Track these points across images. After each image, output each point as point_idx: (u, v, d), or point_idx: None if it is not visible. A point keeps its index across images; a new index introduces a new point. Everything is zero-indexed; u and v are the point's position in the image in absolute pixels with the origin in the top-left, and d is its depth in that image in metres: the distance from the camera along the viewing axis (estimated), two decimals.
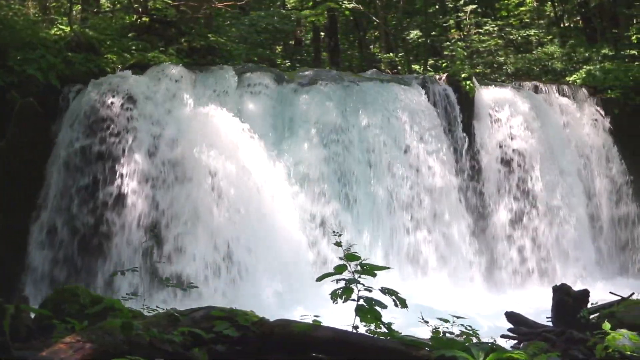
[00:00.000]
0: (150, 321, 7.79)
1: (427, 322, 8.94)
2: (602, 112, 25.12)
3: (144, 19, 23.28)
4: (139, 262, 16.71)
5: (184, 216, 17.88)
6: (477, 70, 29.54)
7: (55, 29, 22.26)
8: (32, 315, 8.82)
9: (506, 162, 22.66)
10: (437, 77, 24.16)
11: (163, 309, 8.88)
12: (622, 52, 28.97)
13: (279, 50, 41.31)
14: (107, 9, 28.95)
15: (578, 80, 26.61)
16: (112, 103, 18.26)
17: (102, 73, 19.60)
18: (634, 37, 30.09)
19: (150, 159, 18.27)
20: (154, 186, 18.11)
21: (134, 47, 21.93)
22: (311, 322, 7.85)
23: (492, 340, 8.76)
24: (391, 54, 37.05)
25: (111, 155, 17.83)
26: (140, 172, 18.02)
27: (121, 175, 17.86)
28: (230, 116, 19.13)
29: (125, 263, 17.05)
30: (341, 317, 7.77)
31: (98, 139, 17.94)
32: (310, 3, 37.35)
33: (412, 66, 37.34)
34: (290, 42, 41.99)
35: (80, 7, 27.62)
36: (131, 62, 20.87)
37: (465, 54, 29.32)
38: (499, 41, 33.25)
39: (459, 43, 31.68)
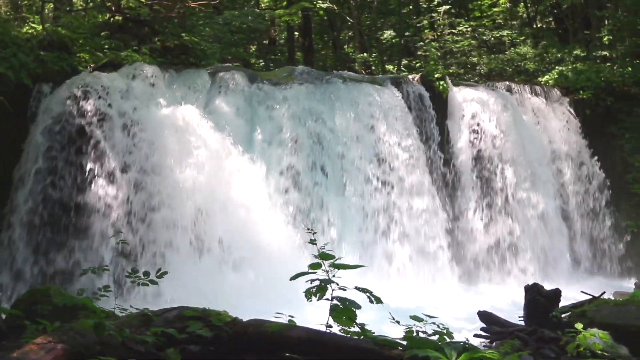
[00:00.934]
0: (122, 321, 7.74)
1: (398, 322, 8.89)
2: (574, 113, 25.30)
3: (117, 17, 23.04)
4: (112, 262, 16.65)
5: (159, 217, 17.81)
6: (451, 71, 29.62)
7: (27, 28, 22.10)
8: (3, 316, 8.72)
9: (479, 162, 22.77)
10: (411, 77, 24.22)
11: (137, 309, 8.81)
12: (594, 54, 29.21)
13: (253, 49, 41.23)
14: (80, 7, 28.71)
15: (550, 81, 26.78)
16: (84, 102, 18.08)
17: (74, 72, 19.39)
18: (605, 39, 30.34)
19: (123, 159, 18.09)
20: (127, 186, 17.95)
21: (107, 46, 21.72)
22: (286, 321, 7.84)
23: (465, 340, 8.79)
24: (365, 54, 37.15)
25: (83, 154, 17.66)
26: (113, 171, 17.85)
27: (93, 175, 17.71)
28: (204, 116, 19.05)
29: (101, 264, 16.93)
30: (316, 316, 7.74)
31: (70, 139, 17.77)
32: (285, 3, 37.32)
33: (386, 66, 37.45)
34: (264, 41, 41.93)
35: (52, 6, 27.36)
36: (104, 61, 20.67)
37: (439, 54, 29.41)
38: (472, 42, 33.40)
39: (433, 43, 31.77)
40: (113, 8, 23.13)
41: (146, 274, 9.07)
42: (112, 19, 23.29)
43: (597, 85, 25.83)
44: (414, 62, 34.65)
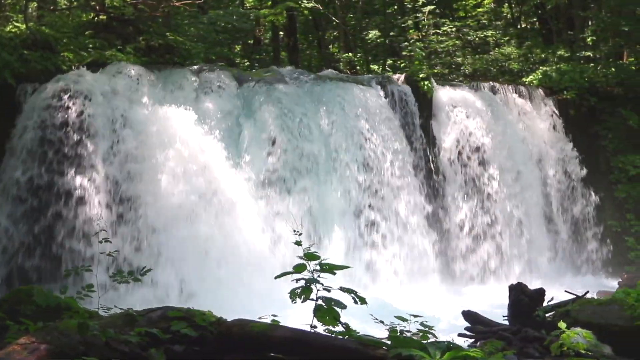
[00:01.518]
0: (106, 321, 7.71)
1: (382, 322, 8.94)
2: (558, 113, 25.41)
3: (101, 17, 22.95)
4: (97, 262, 16.57)
5: (143, 216, 17.76)
6: (435, 71, 29.67)
7: (11, 27, 21.98)
8: None
9: (463, 162, 22.83)
10: (396, 77, 24.25)
11: (121, 309, 8.79)
12: (578, 54, 29.35)
13: (238, 49, 41.15)
14: (64, 6, 28.59)
15: (534, 81, 26.87)
16: (68, 102, 17.98)
17: (58, 71, 19.29)
18: (589, 39, 30.47)
19: (107, 159, 18.06)
20: (111, 186, 17.94)
21: (91, 45, 21.62)
22: (270, 322, 7.84)
23: (449, 339, 8.81)
24: (350, 53, 37.12)
25: (67, 154, 17.56)
26: (96, 172, 17.84)
27: (78, 175, 17.64)
28: (189, 116, 19.00)
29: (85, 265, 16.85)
30: (301, 316, 7.73)
31: (53, 139, 17.67)
32: (269, 2, 37.26)
33: (371, 66, 37.44)
34: (249, 41, 41.83)
35: (36, 5, 27.22)
36: (88, 61, 20.54)
37: (424, 54, 29.39)
38: (457, 42, 33.44)
39: (418, 43, 31.82)
40: (97, 7, 23.04)
41: (130, 273, 9.04)
42: (96, 18, 23.17)
43: (581, 86, 25.96)
44: (399, 62, 34.67)
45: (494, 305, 15.34)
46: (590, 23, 31.66)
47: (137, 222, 17.77)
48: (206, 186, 18.41)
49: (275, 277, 7.71)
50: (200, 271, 17.67)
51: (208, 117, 19.59)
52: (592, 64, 28.20)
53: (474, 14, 36.85)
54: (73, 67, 20.23)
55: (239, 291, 17.18)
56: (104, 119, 18.37)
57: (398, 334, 8.03)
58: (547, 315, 12.72)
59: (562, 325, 10.46)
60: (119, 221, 17.79)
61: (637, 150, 25.48)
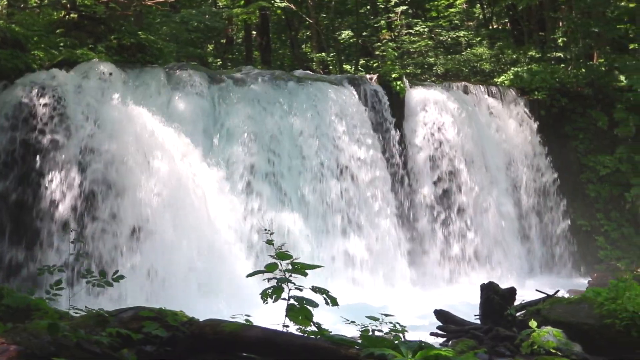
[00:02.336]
0: (77, 322, 7.67)
1: (353, 322, 8.98)
2: (529, 113, 25.56)
3: (72, 15, 22.70)
4: (68, 262, 16.46)
5: (115, 214, 17.66)
6: (408, 71, 29.76)
7: None
8: None
9: (435, 161, 22.88)
10: (368, 77, 24.29)
11: (92, 310, 8.73)
12: (549, 55, 29.58)
13: (210, 48, 41.07)
14: (35, 4, 28.32)
15: (506, 82, 27.02)
16: (39, 100, 17.84)
17: (29, 70, 19.09)
18: (559, 40, 30.68)
19: (78, 158, 17.91)
20: (82, 184, 17.75)
21: (62, 44, 21.41)
22: (243, 321, 7.83)
23: (421, 338, 8.83)
24: (323, 53, 37.18)
25: (37, 153, 17.44)
26: (67, 171, 17.69)
27: (48, 175, 17.53)
28: (161, 115, 18.92)
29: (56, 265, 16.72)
30: (274, 316, 7.74)
31: (24, 137, 17.53)
32: (242, 2, 37.21)
33: (344, 66, 37.51)
34: (222, 40, 41.76)
35: (6, 2, 26.94)
36: (59, 59, 20.31)
37: (396, 54, 29.55)
38: (429, 42, 33.62)
39: (390, 44, 31.92)
40: (68, 5, 22.84)
41: (102, 274, 8.99)
42: (67, 16, 22.91)
43: (552, 86, 26.15)
44: (372, 62, 34.78)
45: (466, 305, 15.39)
46: (560, 24, 31.85)
47: (109, 220, 17.67)
48: (178, 184, 18.35)
49: (247, 276, 7.69)
50: (172, 269, 17.66)
51: (180, 116, 19.52)
52: (562, 65, 28.43)
53: (446, 14, 37.05)
54: (44, 66, 19.99)
55: (212, 289, 17.18)
56: (75, 118, 18.23)
57: (370, 333, 8.06)
58: (518, 314, 12.76)
59: (533, 324, 10.55)
60: (90, 219, 17.68)
61: (606, 150, 25.76)
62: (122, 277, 9.00)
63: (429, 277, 21.79)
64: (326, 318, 8.45)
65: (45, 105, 17.93)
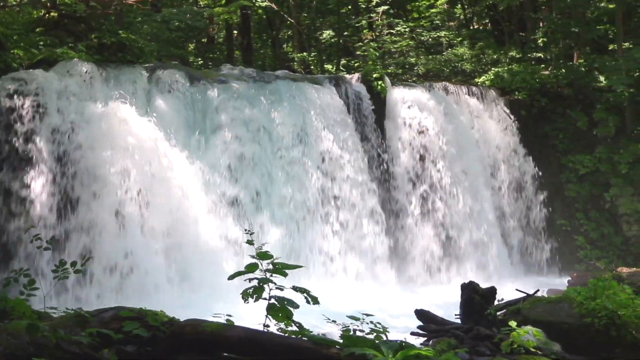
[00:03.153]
0: (57, 322, 7.63)
1: (334, 321, 9.01)
2: (510, 113, 25.65)
3: (52, 14, 22.55)
4: (45, 264, 16.42)
5: (91, 216, 17.60)
6: (389, 71, 29.75)
7: None
8: None
9: (416, 161, 22.92)
10: (350, 77, 24.29)
11: (71, 310, 8.69)
12: (529, 55, 29.68)
13: (192, 48, 40.93)
14: (14, 2, 28.14)
15: (487, 82, 27.09)
16: (18, 100, 17.74)
17: (8, 69, 18.98)
18: (540, 40, 30.82)
19: (58, 158, 17.84)
20: (60, 185, 17.69)
21: (42, 43, 21.22)
22: (224, 321, 7.82)
23: (402, 338, 8.84)
24: (304, 53, 37.14)
25: (17, 153, 17.35)
26: (46, 170, 17.62)
27: (27, 174, 17.45)
28: (141, 115, 18.86)
29: (36, 267, 16.66)
30: (255, 315, 7.75)
31: (3, 137, 17.44)
32: (223, 1, 37.06)
33: (325, 66, 37.52)
34: (203, 40, 41.63)
35: None
36: (39, 58, 20.15)
37: (377, 54, 29.54)
38: (411, 42, 33.65)
39: (371, 44, 31.88)
40: (48, 4, 22.69)
41: (73, 264, 8.92)
42: (47, 15, 22.70)
43: (532, 86, 26.28)
44: (353, 62, 34.78)
45: (447, 304, 15.41)
46: (541, 25, 32.00)
47: (89, 218, 17.62)
48: (159, 183, 18.32)
49: (229, 278, 7.69)
50: (154, 267, 17.66)
51: (160, 116, 19.46)
52: (543, 65, 28.55)
53: (427, 14, 37.02)
54: (23, 65, 19.84)
55: (191, 289, 17.17)
56: (54, 117, 18.13)
57: (351, 333, 8.07)
58: (498, 313, 12.82)
59: (513, 323, 10.59)
60: (69, 219, 17.62)
61: (586, 150, 25.88)
62: (89, 258, 8.99)
63: (410, 276, 21.84)
64: (308, 318, 8.45)
65: (24, 104, 17.85)
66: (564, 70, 27.81)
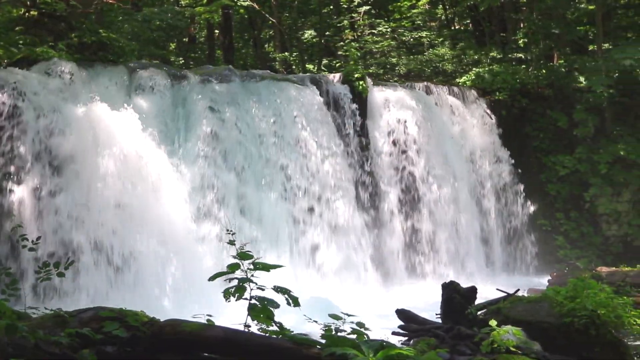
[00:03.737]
0: (36, 323, 7.57)
1: (315, 321, 8.97)
2: (490, 113, 25.73)
3: (32, 12, 22.39)
4: (24, 264, 16.35)
5: (74, 215, 17.52)
6: (370, 71, 29.84)
7: None
8: None
9: (398, 160, 22.96)
10: (331, 77, 24.26)
11: (51, 310, 8.63)
12: (510, 55, 29.78)
13: (173, 47, 40.82)
14: None
15: (468, 82, 27.17)
16: None
17: None
18: (520, 41, 30.96)
19: (38, 157, 17.68)
20: (40, 183, 17.55)
21: (21, 42, 20.99)
22: (204, 321, 7.80)
23: (383, 337, 8.85)
24: (285, 53, 37.13)
25: None
26: (26, 170, 17.49)
27: (6, 174, 17.34)
28: (122, 114, 18.78)
29: (18, 267, 16.60)
30: (236, 315, 7.76)
31: None
32: (205, 0, 36.97)
33: (307, 66, 37.48)
34: (184, 39, 41.53)
35: None
36: (19, 57, 19.98)
37: (359, 54, 29.57)
38: (392, 42, 33.71)
39: (353, 44, 31.94)
40: (28, 3, 22.53)
41: (56, 265, 8.90)
42: (27, 14, 22.52)
43: (513, 87, 26.39)
44: (334, 62, 34.82)
45: (428, 304, 15.44)
46: (521, 25, 32.13)
47: (68, 218, 17.54)
48: (139, 183, 18.26)
49: (210, 279, 7.63)
50: (136, 268, 17.57)
51: (141, 115, 19.38)
52: (523, 66, 28.65)
53: (408, 15, 37.12)
54: (3, 64, 19.69)
55: (174, 290, 17.13)
56: (34, 117, 17.97)
57: (332, 332, 8.06)
58: (479, 313, 12.86)
59: (493, 323, 10.62)
60: (49, 219, 17.52)
61: (566, 150, 26.03)
62: (72, 263, 8.95)
63: (391, 276, 21.86)
64: (289, 317, 8.44)
65: (4, 103, 17.73)
66: (544, 71, 27.97)
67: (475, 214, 24.04)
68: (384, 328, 12.27)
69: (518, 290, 14.28)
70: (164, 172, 18.75)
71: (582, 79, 26.35)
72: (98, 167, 17.87)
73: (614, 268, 21.38)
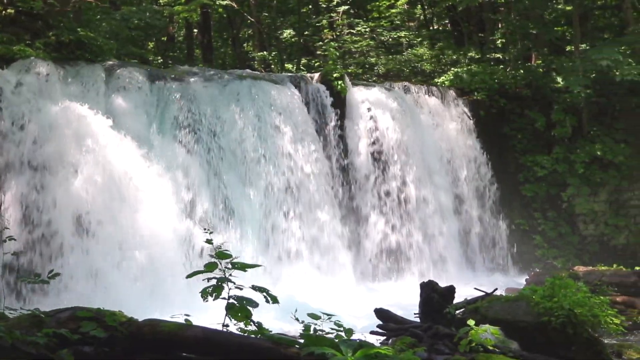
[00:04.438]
0: (12, 323, 7.55)
1: (297, 319, 8.89)
2: (469, 113, 25.83)
3: (8, 10, 22.20)
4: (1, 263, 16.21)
5: (53, 215, 17.44)
6: (349, 70, 29.85)
7: None
8: None
9: (376, 160, 23.04)
10: (310, 76, 24.27)
11: (28, 310, 8.60)
12: (488, 56, 29.94)
13: (151, 46, 40.67)
14: None
15: (446, 82, 27.24)
16: None
17: None
18: (498, 41, 31.11)
19: (14, 156, 17.57)
20: (17, 184, 17.43)
21: None
22: (183, 321, 7.79)
23: (362, 337, 8.89)
24: (264, 52, 37.10)
25: None
26: (5, 171, 17.37)
27: None
28: (100, 113, 18.73)
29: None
30: (214, 315, 7.73)
31: None
32: None
33: (286, 65, 37.45)
34: (163, 38, 41.40)
35: None
36: None
37: (338, 54, 29.59)
38: (371, 42, 33.71)
39: (332, 43, 31.87)
40: (4, 1, 22.39)
41: (37, 275, 8.91)
42: (3, 12, 22.28)
43: (491, 87, 26.48)
44: (313, 61, 34.82)
45: (406, 303, 15.47)
46: (499, 26, 32.27)
47: (47, 219, 17.46)
48: (117, 182, 18.20)
49: (187, 277, 7.67)
50: (115, 268, 17.55)
51: (119, 115, 19.34)
52: (501, 66, 28.80)
53: (387, 15, 37.17)
54: None
55: (151, 290, 17.10)
56: (12, 116, 17.89)
57: (311, 332, 8.08)
58: (457, 312, 12.93)
59: (471, 322, 10.66)
60: (29, 221, 17.45)
61: (544, 150, 26.19)
62: (57, 274, 8.90)
63: (370, 275, 21.94)
64: (269, 316, 8.44)
65: None
66: (522, 71, 28.13)
67: (453, 213, 24.12)
68: (362, 327, 12.33)
69: (496, 289, 14.39)
70: (142, 171, 18.73)
71: (559, 79, 26.48)
72: (78, 166, 17.85)
73: (590, 267, 21.51)
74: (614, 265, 21.08)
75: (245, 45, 43.32)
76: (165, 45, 41.36)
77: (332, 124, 22.64)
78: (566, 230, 25.40)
